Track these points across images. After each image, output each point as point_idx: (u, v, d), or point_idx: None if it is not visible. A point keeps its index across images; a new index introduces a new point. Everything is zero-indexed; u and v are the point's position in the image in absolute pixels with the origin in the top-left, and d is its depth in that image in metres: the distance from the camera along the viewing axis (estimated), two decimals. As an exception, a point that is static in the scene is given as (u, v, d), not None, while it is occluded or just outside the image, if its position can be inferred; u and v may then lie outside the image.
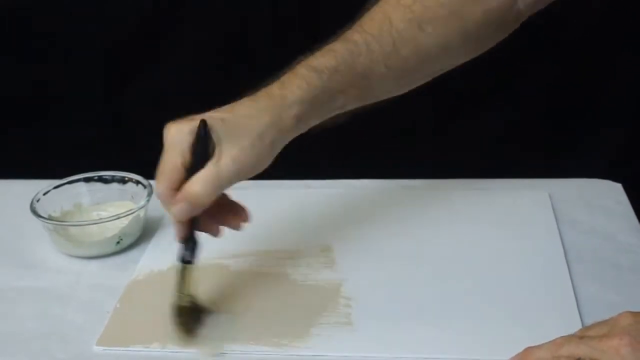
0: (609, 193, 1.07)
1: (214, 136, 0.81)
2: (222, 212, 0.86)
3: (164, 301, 0.91)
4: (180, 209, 0.82)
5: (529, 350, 0.76)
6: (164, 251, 0.99)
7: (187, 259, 0.84)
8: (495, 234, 1.00)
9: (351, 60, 0.86)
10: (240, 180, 0.83)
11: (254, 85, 1.42)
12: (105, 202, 1.05)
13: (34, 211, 1.00)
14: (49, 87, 1.36)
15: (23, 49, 1.35)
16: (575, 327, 0.81)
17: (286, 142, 0.85)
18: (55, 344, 0.86)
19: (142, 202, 1.01)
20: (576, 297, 0.88)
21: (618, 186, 1.08)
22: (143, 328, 0.87)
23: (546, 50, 1.31)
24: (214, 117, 0.83)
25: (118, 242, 0.99)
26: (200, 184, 0.81)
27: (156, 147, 1.44)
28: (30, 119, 1.39)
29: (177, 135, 0.82)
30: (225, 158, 0.81)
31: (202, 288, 0.89)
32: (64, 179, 1.05)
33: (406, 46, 0.87)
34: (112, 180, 1.06)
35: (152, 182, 1.03)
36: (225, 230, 1.03)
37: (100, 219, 1.00)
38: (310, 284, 0.93)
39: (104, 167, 1.07)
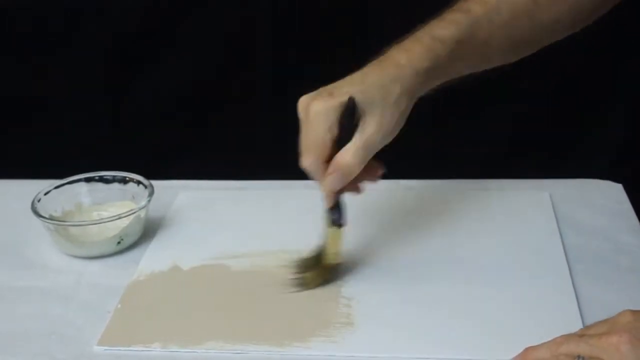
0: (609, 193, 1.07)
1: (359, 108, 0.87)
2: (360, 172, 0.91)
3: (165, 301, 0.91)
4: (333, 179, 0.88)
5: (528, 349, 0.76)
6: (165, 251, 0.99)
7: (339, 222, 0.91)
8: (495, 234, 1.00)
9: (472, 31, 0.90)
10: (384, 145, 0.89)
11: (254, 85, 1.43)
12: (106, 202, 1.05)
13: (35, 211, 1.00)
14: (49, 87, 1.36)
15: (23, 48, 1.35)
16: (576, 327, 0.81)
17: (413, 103, 0.90)
18: (56, 344, 0.86)
19: (143, 202, 1.01)
20: (577, 297, 0.88)
21: (618, 186, 1.08)
22: (144, 328, 0.87)
23: (546, 51, 1.31)
24: (352, 90, 0.87)
25: (119, 242, 0.99)
26: (351, 154, 0.87)
27: (156, 147, 1.45)
28: (31, 119, 1.39)
29: (323, 112, 0.87)
30: (370, 128, 0.87)
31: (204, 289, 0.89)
32: (64, 179, 1.05)
33: (522, 18, 0.92)
34: (113, 180, 1.06)
35: (153, 182, 1.04)
36: (225, 230, 1.03)
37: (101, 219, 1.00)
38: (311, 284, 0.93)
39: (105, 167, 1.07)
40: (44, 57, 1.35)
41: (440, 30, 0.90)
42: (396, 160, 1.30)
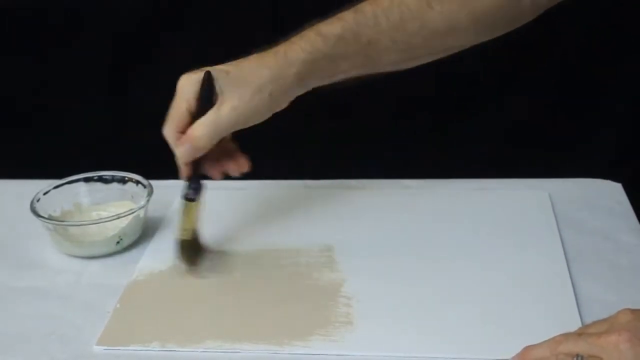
0: (609, 193, 1.07)
1: (217, 86, 0.90)
2: (224, 158, 0.94)
3: (164, 301, 0.91)
4: (183, 150, 0.91)
5: (528, 348, 0.76)
6: (164, 251, 0.99)
7: (191, 196, 0.93)
8: (495, 234, 1.00)
9: (357, 29, 0.90)
10: (240, 127, 0.91)
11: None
12: (105, 202, 1.05)
13: (34, 211, 1.00)
14: (49, 87, 1.36)
15: (23, 48, 1.35)
16: (575, 326, 0.81)
17: (288, 98, 0.92)
18: (55, 344, 0.86)
19: (142, 202, 1.01)
20: (576, 297, 0.88)
21: (618, 186, 1.08)
22: (143, 328, 0.87)
23: (546, 50, 1.31)
24: (219, 69, 0.91)
25: (118, 242, 0.99)
26: (200, 128, 0.90)
27: (156, 147, 1.45)
28: (31, 119, 1.39)
29: (186, 84, 0.91)
30: (225, 106, 0.89)
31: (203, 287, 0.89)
32: (63, 179, 1.05)
33: (413, 22, 0.91)
34: (112, 180, 1.06)
35: (152, 182, 1.04)
36: (225, 230, 1.03)
37: (100, 218, 1.00)
38: (310, 283, 0.93)
39: (104, 167, 1.07)
40: (44, 57, 1.35)
41: (326, 27, 0.91)
42: (396, 160, 1.30)
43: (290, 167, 1.18)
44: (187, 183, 0.93)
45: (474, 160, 1.34)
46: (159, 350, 0.84)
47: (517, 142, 1.35)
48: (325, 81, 0.93)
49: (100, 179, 1.06)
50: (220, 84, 0.90)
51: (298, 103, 1.32)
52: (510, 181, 1.12)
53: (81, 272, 0.97)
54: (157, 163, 1.30)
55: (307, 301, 0.90)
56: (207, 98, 0.90)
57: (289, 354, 0.83)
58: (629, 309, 0.73)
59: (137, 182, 1.04)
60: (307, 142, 1.34)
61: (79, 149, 1.35)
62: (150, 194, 1.02)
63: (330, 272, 0.94)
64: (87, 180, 1.06)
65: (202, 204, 0.94)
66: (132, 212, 0.99)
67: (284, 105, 0.92)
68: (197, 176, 0.93)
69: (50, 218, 1.01)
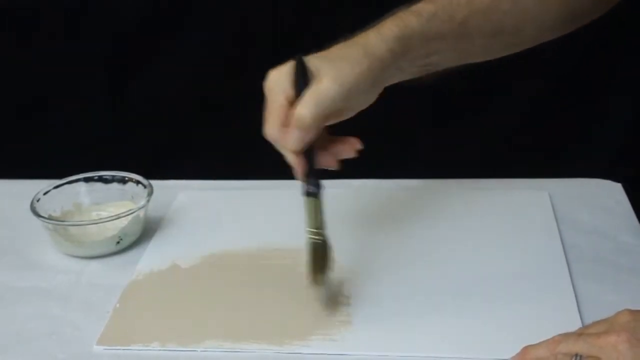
0: (609, 193, 1.07)
1: (313, 67, 0.84)
2: (334, 144, 0.88)
3: (164, 301, 0.91)
4: (292, 137, 0.84)
5: (527, 348, 0.76)
6: (164, 251, 0.99)
7: (312, 191, 0.86)
8: (495, 234, 1.00)
9: (451, 8, 0.87)
10: (344, 103, 0.84)
11: (254, 85, 1.43)
12: (105, 202, 1.05)
13: (34, 211, 1.00)
14: (49, 87, 1.36)
15: (23, 48, 1.35)
16: (575, 327, 0.81)
17: (386, 77, 0.86)
18: (55, 344, 0.86)
19: (142, 202, 1.01)
20: (576, 297, 0.88)
21: (618, 186, 1.08)
22: (143, 327, 0.87)
23: (546, 50, 1.30)
24: (311, 56, 0.85)
25: (118, 242, 0.99)
26: (304, 106, 0.83)
27: (156, 147, 1.45)
28: (31, 118, 1.39)
29: (276, 77, 0.85)
30: (325, 80, 0.83)
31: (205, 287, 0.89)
32: (64, 179, 1.05)
33: (505, 2, 0.89)
34: (112, 180, 1.06)
35: (152, 182, 1.04)
36: (225, 230, 1.03)
37: (100, 218, 1.00)
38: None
39: (105, 167, 1.07)
40: (44, 57, 1.35)
41: (419, 5, 0.87)
42: (396, 160, 1.30)
43: (290, 167, 1.18)
44: (305, 179, 0.86)
45: (474, 160, 1.34)
46: (159, 350, 0.84)
47: (517, 142, 1.35)
48: (418, 66, 0.88)
49: (100, 179, 1.06)
50: (314, 64, 0.84)
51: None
52: (510, 181, 1.12)
53: (81, 272, 0.97)
54: (157, 163, 1.31)
55: (307, 300, 0.90)
56: (304, 83, 0.83)
57: (288, 353, 0.83)
58: (628, 310, 0.73)
59: (137, 182, 1.04)
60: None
61: (79, 149, 1.35)
62: (150, 194, 1.02)
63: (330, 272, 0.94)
64: (87, 180, 1.06)
65: (324, 200, 0.87)
66: (132, 212, 0.99)
67: (379, 86, 0.86)
68: (314, 170, 0.86)
69: (50, 218, 1.01)
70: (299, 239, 0.98)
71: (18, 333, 0.88)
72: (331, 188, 1.11)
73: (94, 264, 0.98)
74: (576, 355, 0.72)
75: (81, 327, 0.88)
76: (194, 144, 1.39)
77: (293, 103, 0.84)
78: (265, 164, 1.29)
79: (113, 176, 1.06)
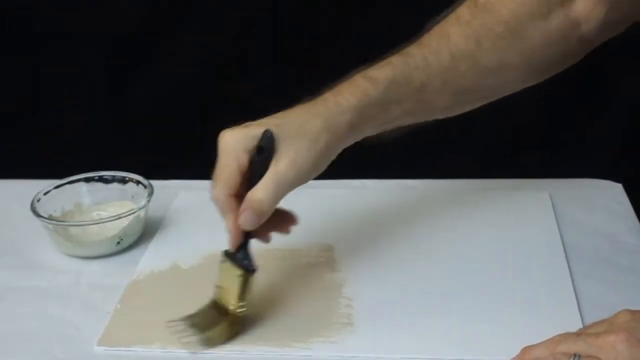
0: (609, 193, 1.07)
1: (274, 138, 0.83)
2: (271, 218, 0.85)
3: (165, 301, 0.91)
4: (245, 217, 0.83)
5: (526, 349, 0.76)
6: (164, 251, 0.99)
7: (252, 267, 0.85)
8: (495, 234, 1.00)
9: (408, 72, 0.86)
10: (299, 184, 0.84)
11: (254, 85, 1.43)
12: (106, 202, 1.05)
13: (34, 211, 1.00)
14: (49, 87, 1.36)
15: (23, 48, 1.35)
16: (575, 327, 0.81)
17: (341, 148, 0.86)
18: (55, 344, 0.86)
19: (143, 202, 1.01)
20: (576, 297, 0.88)
21: (618, 186, 1.08)
22: (144, 328, 0.87)
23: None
24: (270, 123, 0.84)
25: (118, 242, 0.99)
26: (261, 190, 0.82)
27: (156, 147, 1.45)
28: (31, 118, 1.39)
29: (232, 141, 0.83)
30: (281, 163, 0.82)
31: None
32: (64, 179, 1.05)
33: (464, 62, 0.87)
34: (112, 180, 1.06)
35: (152, 182, 1.04)
36: (225, 230, 1.03)
37: (101, 219, 1.00)
38: (311, 283, 0.93)
39: (105, 167, 1.07)
40: (44, 57, 1.35)
41: (374, 71, 0.86)
42: (396, 160, 1.30)
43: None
44: (238, 253, 0.85)
45: (474, 160, 1.34)
46: (159, 351, 0.84)
47: (518, 142, 1.35)
48: (378, 129, 0.87)
49: (101, 179, 1.06)
50: (275, 135, 0.83)
51: (298, 103, 1.33)
52: (510, 181, 1.12)
53: (81, 272, 0.97)
54: (157, 163, 1.31)
55: (308, 302, 0.90)
56: (264, 158, 0.82)
57: (289, 355, 0.83)
58: (628, 310, 0.74)
59: (137, 182, 1.04)
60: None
61: (79, 149, 1.35)
62: (150, 194, 1.02)
63: (330, 273, 0.94)
64: (87, 180, 1.06)
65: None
66: (133, 212, 0.99)
67: (334, 156, 0.85)
68: (246, 243, 0.85)
69: (50, 218, 1.01)
70: (299, 239, 0.98)
71: (18, 333, 0.88)
72: (331, 188, 1.12)
73: (94, 264, 0.98)
74: (575, 355, 0.72)
75: (81, 327, 0.88)
76: (194, 144, 1.39)
77: (244, 172, 0.83)
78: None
79: (113, 176, 1.06)
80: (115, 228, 0.99)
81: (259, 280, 0.94)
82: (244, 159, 0.83)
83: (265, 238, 0.87)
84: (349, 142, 0.86)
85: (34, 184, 1.05)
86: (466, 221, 1.03)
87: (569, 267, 0.93)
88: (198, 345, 0.83)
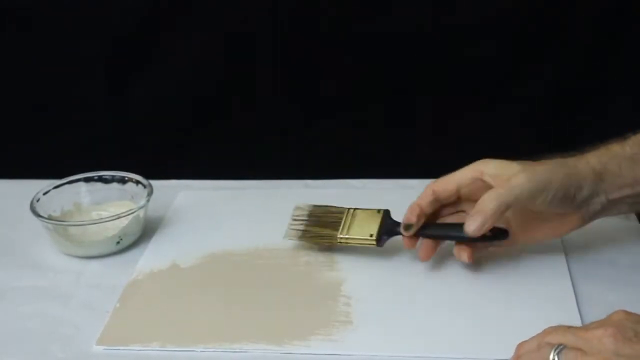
0: (609, 193, 1.07)
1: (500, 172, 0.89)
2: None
3: (164, 301, 0.91)
4: (474, 224, 0.87)
5: (520, 344, 0.76)
6: (164, 251, 0.99)
7: (398, 230, 0.94)
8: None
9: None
10: (528, 200, 0.86)
11: (254, 85, 1.43)
12: (105, 202, 1.05)
13: (34, 211, 1.00)
14: (48, 87, 1.36)
15: (23, 48, 1.35)
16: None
17: (584, 195, 0.87)
18: (55, 344, 0.86)
19: (142, 202, 1.01)
20: (576, 297, 0.88)
21: (619, 186, 1.08)
22: (143, 327, 0.87)
23: (547, 50, 1.31)
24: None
25: (118, 242, 0.99)
26: (492, 200, 0.87)
27: (156, 147, 1.45)
28: (30, 119, 1.39)
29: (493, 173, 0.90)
30: (520, 177, 0.86)
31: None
32: (64, 179, 1.05)
33: None
34: (112, 180, 1.06)
35: (152, 182, 1.04)
36: (225, 230, 1.03)
37: (100, 218, 1.00)
38: (310, 283, 0.93)
39: (104, 166, 1.07)
40: (44, 57, 1.35)
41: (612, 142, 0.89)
42: (396, 160, 1.30)
43: (290, 167, 1.18)
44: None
45: (474, 160, 1.33)
46: (158, 350, 0.84)
47: (518, 142, 1.35)
48: (626, 192, 0.88)
49: (100, 179, 1.06)
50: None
51: (298, 103, 1.33)
52: (510, 181, 1.11)
53: (81, 272, 0.97)
54: (157, 163, 1.31)
55: (307, 301, 0.90)
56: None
57: (289, 353, 0.83)
58: (623, 310, 0.74)
59: (137, 182, 1.04)
60: (307, 142, 1.35)
61: (79, 149, 1.35)
62: (150, 194, 1.02)
63: (330, 272, 0.94)
64: (87, 180, 1.06)
65: None
66: (132, 212, 0.99)
67: (573, 204, 0.87)
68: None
69: (50, 218, 1.01)
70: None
71: (18, 332, 0.88)
72: (331, 188, 1.12)
73: (94, 264, 0.98)
74: (559, 345, 0.72)
75: (81, 327, 0.88)
76: (194, 144, 1.39)
77: (459, 195, 0.92)
78: (265, 164, 1.30)
79: (113, 176, 1.06)
80: (114, 228, 0.99)
81: (259, 279, 0.94)
82: (458, 191, 0.93)
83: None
84: (594, 197, 0.88)
85: (34, 184, 1.05)
86: (466, 221, 1.03)
87: (569, 266, 0.93)
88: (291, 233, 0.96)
